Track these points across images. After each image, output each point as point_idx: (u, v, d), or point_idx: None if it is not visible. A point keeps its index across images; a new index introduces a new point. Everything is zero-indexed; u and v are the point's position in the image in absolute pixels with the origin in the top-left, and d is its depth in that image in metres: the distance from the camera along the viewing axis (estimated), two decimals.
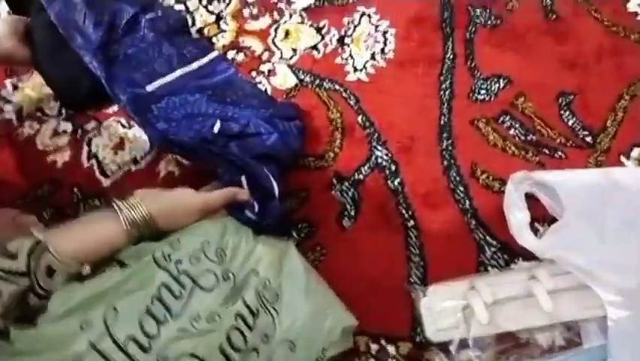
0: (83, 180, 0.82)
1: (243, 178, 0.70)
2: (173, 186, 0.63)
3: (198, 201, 0.62)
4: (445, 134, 0.84)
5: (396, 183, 0.79)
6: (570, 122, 0.83)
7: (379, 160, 0.82)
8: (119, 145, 0.86)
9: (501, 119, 0.84)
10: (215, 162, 0.71)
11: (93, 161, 0.84)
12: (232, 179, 0.69)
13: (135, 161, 0.84)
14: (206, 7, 1.05)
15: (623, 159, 0.79)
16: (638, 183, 0.70)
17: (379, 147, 0.83)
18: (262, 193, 0.69)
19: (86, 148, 0.86)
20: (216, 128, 0.72)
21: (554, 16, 0.96)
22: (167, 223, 0.59)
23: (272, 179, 0.70)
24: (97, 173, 0.83)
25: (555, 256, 0.65)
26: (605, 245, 0.64)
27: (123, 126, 0.87)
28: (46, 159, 0.86)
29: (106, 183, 0.83)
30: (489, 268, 0.72)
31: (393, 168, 0.81)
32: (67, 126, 0.89)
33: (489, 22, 0.96)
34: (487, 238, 0.74)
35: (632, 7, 0.95)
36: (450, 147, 0.82)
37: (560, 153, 0.80)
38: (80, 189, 0.81)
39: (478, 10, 0.98)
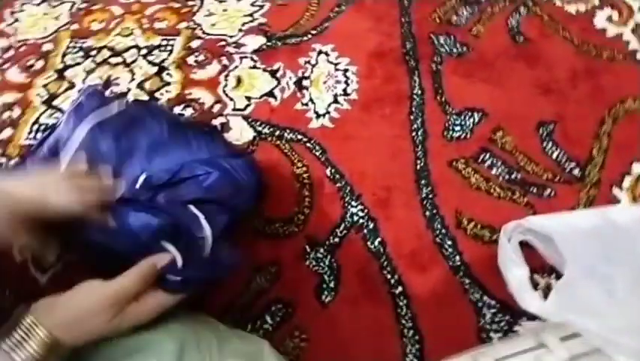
0: (15, 280, 0.70)
1: (163, 242, 0.56)
2: None
3: (106, 295, 0.48)
4: (423, 181, 0.76)
5: (376, 243, 0.71)
6: (554, 155, 0.77)
7: (355, 218, 0.73)
8: None
9: (481, 158, 0.78)
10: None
11: (27, 254, 0.72)
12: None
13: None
14: (145, 56, 0.95)
15: (615, 190, 0.73)
16: (638, 225, 0.63)
17: (353, 203, 0.75)
18: (186, 240, 0.56)
19: None
20: (139, 183, 0.61)
21: (522, 39, 0.90)
22: (75, 337, 0.46)
23: (201, 218, 0.58)
24: (32, 269, 0.72)
25: (563, 320, 0.58)
26: (617, 305, 0.57)
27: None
28: None
29: (43, 279, 0.71)
30: (491, 333, 0.64)
31: (371, 225, 0.73)
32: None
33: (454, 51, 0.90)
34: (485, 297, 0.66)
35: (599, 23, 0.91)
36: (430, 195, 0.75)
37: (548, 191, 0.74)
38: (11, 291, 0.69)
39: (441, 39, 0.92)
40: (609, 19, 0.90)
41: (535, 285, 0.66)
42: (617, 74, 0.83)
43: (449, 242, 0.70)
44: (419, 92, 0.85)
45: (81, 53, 0.97)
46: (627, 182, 0.74)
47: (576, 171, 0.75)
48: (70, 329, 0.46)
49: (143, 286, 0.50)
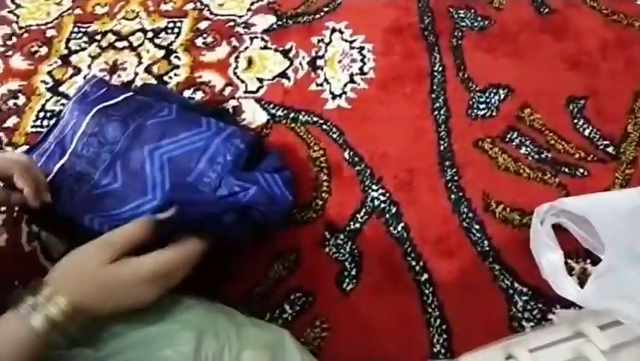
0: (24, 269, 0.68)
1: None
2: None
3: (144, 271, 0.47)
4: (447, 163, 0.72)
5: (399, 228, 0.67)
6: (587, 132, 0.72)
7: (376, 202, 0.70)
8: None
9: (508, 137, 0.73)
10: None
11: (36, 243, 0.70)
12: None
13: None
14: (152, 40, 0.91)
15: None
16: None
17: (374, 187, 0.71)
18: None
19: (25, 228, 0.72)
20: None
21: (547, 10, 0.86)
22: (104, 308, 0.45)
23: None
24: (41, 258, 0.69)
25: (604, 307, 0.54)
26: None
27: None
28: None
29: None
30: (523, 322, 0.60)
31: (393, 210, 0.69)
32: None
33: (476, 25, 0.85)
34: (516, 284, 0.62)
35: None
36: (455, 178, 0.71)
37: (581, 171, 0.69)
38: (21, 281, 0.67)
39: (461, 12, 0.87)
40: None
41: (569, 270, 0.63)
42: None
43: (477, 226, 0.66)
44: (440, 69, 0.81)
45: (85, 38, 0.93)
46: None
47: (610, 149, 0.71)
48: (100, 300, 0.45)
49: (183, 269, 0.50)
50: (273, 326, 0.56)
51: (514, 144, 0.73)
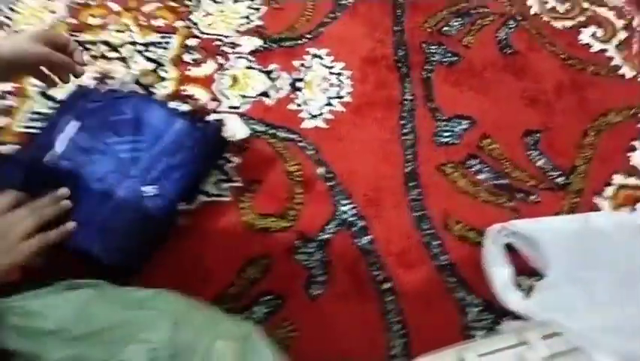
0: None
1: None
2: None
3: None
4: (412, 183, 0.78)
5: (365, 241, 0.73)
6: (539, 163, 0.80)
7: (345, 216, 0.75)
8: None
9: (468, 163, 0.80)
10: None
11: None
12: None
13: None
14: (141, 52, 0.96)
15: (597, 199, 0.76)
16: (618, 230, 0.66)
17: (344, 201, 0.76)
18: None
19: None
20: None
21: (510, 51, 0.94)
22: None
23: None
24: None
25: (545, 319, 0.60)
26: (597, 306, 0.59)
27: None
28: None
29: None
30: (475, 331, 0.65)
31: (361, 224, 0.74)
32: None
33: (445, 60, 0.93)
34: (470, 297, 0.68)
35: (584, 38, 0.94)
36: (419, 197, 0.77)
37: (532, 197, 0.76)
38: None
39: (433, 48, 0.95)
40: (594, 35, 0.94)
41: (518, 286, 0.68)
42: (601, 87, 0.87)
43: (436, 242, 0.72)
44: (410, 98, 0.88)
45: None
46: (609, 191, 0.77)
47: (560, 179, 0.78)
48: None
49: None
50: (243, 321, 0.60)
51: (473, 169, 0.79)
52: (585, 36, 0.95)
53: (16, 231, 0.58)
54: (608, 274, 0.62)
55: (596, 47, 0.93)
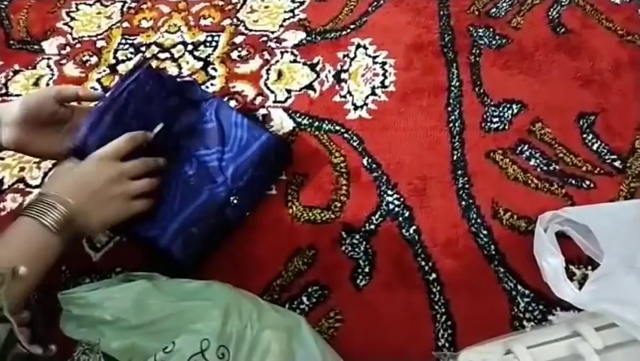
0: (71, 257, 0.75)
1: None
2: None
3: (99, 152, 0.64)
4: (459, 171, 0.77)
5: (411, 231, 0.72)
6: (595, 147, 0.76)
7: (391, 206, 0.75)
8: None
9: (519, 149, 0.78)
10: None
11: None
12: None
13: None
14: (191, 52, 0.99)
15: None
16: None
17: (389, 192, 0.76)
18: None
19: None
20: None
21: (563, 30, 0.89)
22: (88, 217, 0.60)
23: None
24: (86, 247, 0.77)
25: (600, 310, 0.58)
26: None
27: None
28: None
29: (96, 257, 0.76)
30: (524, 322, 0.64)
31: (406, 214, 0.74)
32: None
33: (493, 43, 0.90)
34: (519, 286, 0.66)
35: None
36: (467, 186, 0.75)
37: (587, 183, 0.73)
38: (68, 267, 0.74)
39: (480, 31, 0.92)
40: None
41: (571, 276, 0.66)
42: None
43: (484, 232, 0.71)
44: (457, 83, 0.86)
45: (132, 49, 1.02)
46: None
47: (617, 163, 0.74)
48: (79, 194, 0.59)
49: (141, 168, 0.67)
50: (291, 312, 0.62)
51: (524, 155, 0.77)
52: None
53: (129, 188, 0.64)
54: None
55: None
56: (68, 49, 1.05)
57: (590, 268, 0.66)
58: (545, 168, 0.75)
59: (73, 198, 0.58)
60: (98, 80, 0.98)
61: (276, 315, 0.57)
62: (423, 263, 0.70)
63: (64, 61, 1.03)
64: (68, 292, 0.54)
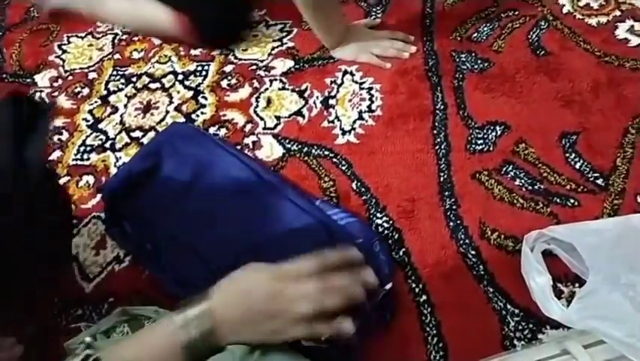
0: (62, 288, 0.76)
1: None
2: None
3: (274, 267, 0.50)
4: (446, 193, 0.78)
5: (401, 253, 0.73)
6: (578, 165, 0.78)
7: (380, 229, 0.76)
8: (101, 244, 0.80)
9: (504, 169, 0.79)
10: None
11: (73, 265, 0.78)
12: None
13: (119, 259, 0.78)
14: (182, 82, 1.01)
15: None
16: None
17: (379, 214, 0.78)
18: None
19: None
20: None
21: (543, 52, 0.92)
22: (238, 336, 0.48)
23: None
24: (78, 278, 0.77)
25: (587, 327, 0.59)
26: None
27: (104, 222, 0.81)
28: None
29: (88, 288, 0.76)
30: (515, 341, 0.65)
31: (396, 236, 0.75)
32: None
33: (476, 67, 0.92)
34: (508, 306, 0.67)
35: (621, 34, 0.92)
36: (454, 207, 0.77)
37: (572, 201, 0.75)
38: (60, 298, 0.75)
39: (463, 55, 0.95)
40: (631, 29, 0.91)
41: (559, 293, 0.67)
42: None
43: (473, 252, 0.72)
44: (442, 107, 0.88)
45: (123, 80, 1.04)
46: None
47: (600, 181, 0.76)
48: (239, 328, 0.48)
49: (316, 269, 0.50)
50: None
51: (509, 176, 0.78)
52: (622, 31, 0.92)
53: (292, 310, 0.48)
54: None
55: (634, 41, 0.89)
56: (60, 81, 1.07)
57: (577, 285, 0.67)
58: (530, 187, 0.77)
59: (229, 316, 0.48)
60: (90, 112, 1.00)
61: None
62: (413, 285, 0.70)
63: (56, 93, 1.05)
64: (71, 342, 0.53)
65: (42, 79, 1.08)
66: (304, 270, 0.50)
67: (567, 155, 0.79)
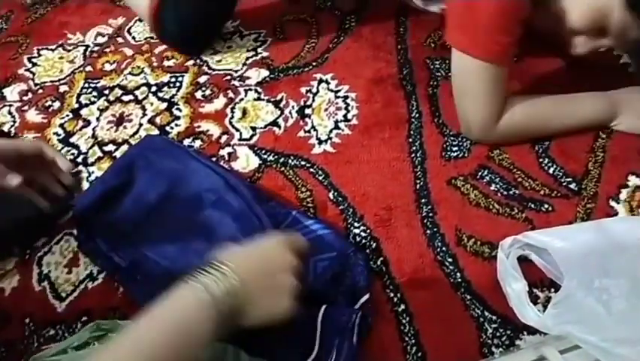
0: (34, 308, 0.74)
1: None
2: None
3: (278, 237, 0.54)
4: (423, 200, 0.78)
5: (379, 262, 0.73)
6: (551, 170, 0.79)
7: (358, 238, 0.76)
8: (73, 261, 0.78)
9: (479, 174, 0.80)
10: None
11: (45, 284, 0.76)
12: None
13: (92, 277, 0.76)
14: (155, 93, 1.00)
15: (612, 203, 0.75)
16: (634, 235, 0.65)
17: (356, 224, 0.77)
18: None
19: (36, 270, 0.78)
20: None
21: (515, 58, 0.93)
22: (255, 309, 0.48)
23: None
24: (50, 297, 0.75)
25: (563, 332, 0.59)
26: (614, 316, 0.58)
27: (76, 239, 0.80)
28: None
29: (61, 307, 0.74)
30: (493, 348, 0.65)
31: (373, 245, 0.75)
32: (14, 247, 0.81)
33: (450, 75, 0.92)
34: (486, 313, 0.67)
35: None
36: (431, 214, 0.77)
37: (546, 206, 0.75)
38: (31, 319, 0.73)
39: (437, 63, 0.95)
40: None
41: (535, 299, 0.67)
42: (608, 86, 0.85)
43: (450, 259, 0.72)
44: (417, 115, 0.88)
45: (95, 93, 1.02)
46: (624, 194, 0.75)
47: (573, 186, 0.77)
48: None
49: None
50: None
51: (484, 180, 0.79)
52: None
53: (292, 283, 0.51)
54: (624, 282, 0.60)
55: None
56: (30, 95, 1.05)
57: (552, 290, 0.68)
58: (505, 192, 0.77)
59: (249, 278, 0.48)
60: (61, 126, 0.98)
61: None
62: (392, 294, 0.70)
63: (26, 107, 1.02)
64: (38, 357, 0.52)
65: (11, 93, 1.05)
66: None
67: (540, 160, 0.80)
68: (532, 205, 0.76)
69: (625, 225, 0.67)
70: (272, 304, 0.50)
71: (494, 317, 0.67)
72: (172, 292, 0.44)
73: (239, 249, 0.52)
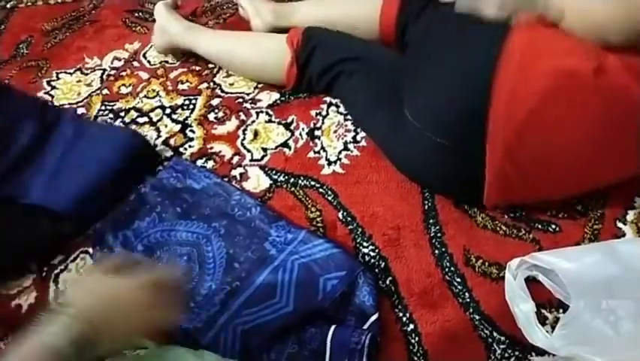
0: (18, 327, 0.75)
1: None
2: None
3: (138, 278, 0.52)
4: (431, 220, 0.79)
5: (387, 282, 0.74)
6: None
7: (367, 258, 0.77)
8: None
9: None
10: None
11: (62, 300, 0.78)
12: None
13: None
14: (169, 115, 1.02)
15: (619, 224, 0.75)
16: None
17: (365, 243, 0.79)
18: None
19: (52, 287, 0.80)
20: None
21: None
22: (114, 321, 0.49)
23: None
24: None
25: (571, 354, 0.60)
26: (621, 337, 0.58)
27: (92, 257, 0.82)
28: (10, 304, 0.80)
29: None
30: None
31: (382, 265, 0.76)
32: (31, 264, 0.83)
33: None
34: (494, 333, 0.68)
35: None
36: (439, 234, 0.78)
37: (553, 227, 0.76)
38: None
39: None
40: None
41: (544, 319, 0.68)
42: None
43: (458, 279, 0.73)
44: None
45: (111, 115, 1.05)
46: (631, 215, 0.76)
47: (579, 207, 0.78)
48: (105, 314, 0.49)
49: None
50: None
51: None
52: None
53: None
54: (631, 303, 0.61)
55: None
56: None
57: (561, 310, 0.68)
58: (512, 214, 0.78)
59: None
60: None
61: None
62: (400, 314, 0.71)
63: None
64: None
65: None
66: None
67: None
68: (539, 226, 0.76)
69: (632, 246, 0.67)
70: (127, 335, 0.52)
71: (503, 338, 0.67)
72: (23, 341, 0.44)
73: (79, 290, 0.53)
